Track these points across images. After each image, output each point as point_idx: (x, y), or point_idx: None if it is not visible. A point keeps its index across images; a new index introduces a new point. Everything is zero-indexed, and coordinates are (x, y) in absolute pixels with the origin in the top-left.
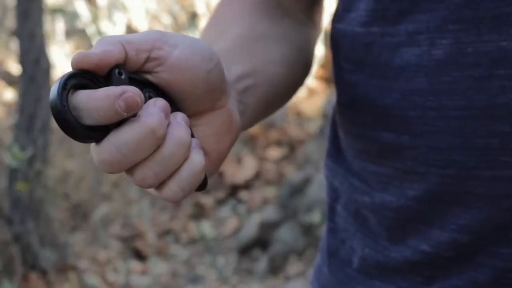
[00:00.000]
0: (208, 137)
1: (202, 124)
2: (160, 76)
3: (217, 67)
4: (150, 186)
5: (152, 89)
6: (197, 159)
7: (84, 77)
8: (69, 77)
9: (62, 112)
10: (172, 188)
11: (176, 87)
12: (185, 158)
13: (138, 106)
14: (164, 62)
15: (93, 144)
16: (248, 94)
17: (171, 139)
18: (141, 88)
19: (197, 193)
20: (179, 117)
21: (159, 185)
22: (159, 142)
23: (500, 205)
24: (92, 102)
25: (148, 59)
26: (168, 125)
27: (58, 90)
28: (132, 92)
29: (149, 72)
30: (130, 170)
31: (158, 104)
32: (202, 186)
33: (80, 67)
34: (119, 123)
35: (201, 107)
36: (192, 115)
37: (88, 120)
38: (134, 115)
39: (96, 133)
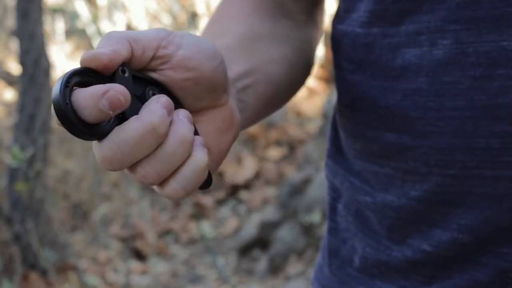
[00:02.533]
0: (209, 134)
1: (204, 121)
2: (165, 73)
3: (221, 66)
4: (151, 184)
5: (155, 87)
6: (199, 158)
7: (88, 74)
8: (72, 75)
9: (63, 109)
10: (173, 186)
11: (180, 85)
12: (188, 156)
13: (122, 105)
14: (169, 60)
15: (95, 142)
16: (248, 93)
17: (173, 137)
18: (144, 86)
19: (197, 193)
20: (182, 114)
21: (161, 182)
22: (160, 139)
23: (501, 205)
24: (81, 100)
25: (153, 58)
26: (170, 122)
27: (60, 88)
28: (116, 90)
29: (154, 70)
30: (131, 167)
31: (160, 101)
32: (206, 184)
33: (89, 66)
34: (123, 120)
35: (203, 104)
36: (194, 112)
37: (84, 118)
38: (136, 113)
39: (97, 130)
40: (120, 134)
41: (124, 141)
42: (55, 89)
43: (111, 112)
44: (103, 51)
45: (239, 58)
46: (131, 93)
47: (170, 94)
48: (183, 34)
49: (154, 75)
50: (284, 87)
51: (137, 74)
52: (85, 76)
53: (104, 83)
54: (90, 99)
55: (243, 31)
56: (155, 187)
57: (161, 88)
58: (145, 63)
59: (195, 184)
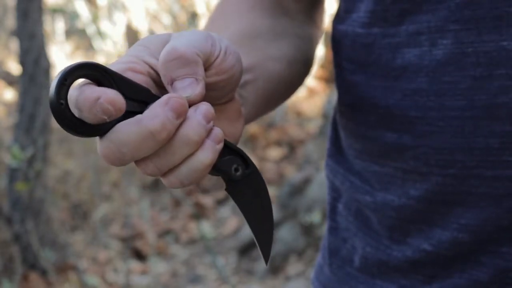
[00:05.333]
0: (222, 122)
1: (217, 111)
2: (207, 75)
3: (242, 67)
4: (151, 175)
5: None
6: (202, 158)
7: (90, 68)
8: (70, 71)
9: (57, 108)
10: (170, 179)
11: (212, 85)
12: (192, 153)
13: (112, 114)
14: (213, 62)
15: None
16: (247, 89)
17: (179, 136)
18: None
19: (197, 192)
20: (200, 111)
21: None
22: (161, 143)
23: (501, 205)
24: (79, 102)
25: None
26: (184, 119)
27: (57, 83)
28: (106, 99)
29: None
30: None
31: (170, 102)
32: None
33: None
34: (125, 117)
35: (223, 101)
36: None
37: (85, 119)
38: (141, 112)
39: (95, 128)
40: (118, 135)
41: (123, 143)
42: (52, 86)
43: (106, 118)
44: (196, 93)
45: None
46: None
47: None
48: (220, 37)
49: None
50: (283, 85)
51: None
52: (90, 70)
53: (109, 79)
54: (86, 103)
55: (243, 28)
56: None
57: None
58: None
59: (193, 180)
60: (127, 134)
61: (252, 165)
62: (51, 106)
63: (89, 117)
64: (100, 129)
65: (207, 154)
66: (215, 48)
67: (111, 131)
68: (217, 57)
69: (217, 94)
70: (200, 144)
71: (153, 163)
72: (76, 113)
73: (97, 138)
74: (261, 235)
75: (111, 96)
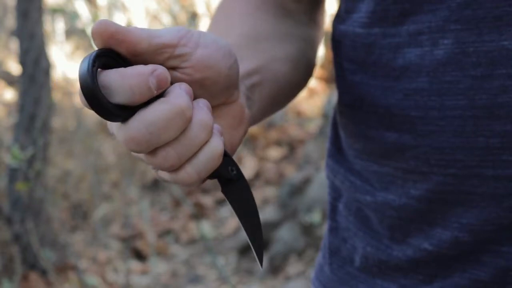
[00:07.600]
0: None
1: (216, 117)
2: (185, 72)
3: (235, 64)
4: (170, 168)
5: None
6: (216, 144)
7: (109, 56)
8: (97, 56)
9: (93, 90)
10: (188, 170)
11: (199, 83)
12: (206, 142)
13: (167, 84)
14: (189, 58)
15: (117, 124)
16: (255, 91)
17: (196, 122)
18: None
19: (197, 192)
20: (202, 103)
21: (176, 168)
22: (186, 123)
23: (502, 204)
24: (125, 79)
25: (172, 56)
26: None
27: (88, 68)
28: (163, 69)
29: (175, 68)
30: (153, 150)
31: (183, 87)
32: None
33: (115, 47)
34: (145, 104)
35: (218, 101)
36: None
37: (117, 99)
38: (161, 96)
39: (124, 111)
40: (149, 114)
41: (153, 122)
42: (82, 68)
43: (155, 92)
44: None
45: (246, 56)
46: None
47: None
48: (200, 32)
49: (174, 73)
50: (288, 86)
51: None
52: (107, 58)
53: (125, 66)
54: (139, 77)
55: (247, 30)
56: (166, 174)
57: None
58: (163, 60)
59: (209, 170)
60: (157, 112)
61: (240, 171)
62: (85, 89)
63: (137, 93)
64: (129, 112)
65: (219, 141)
66: (186, 39)
67: (140, 111)
68: (194, 49)
69: (207, 93)
70: (212, 131)
71: (174, 150)
72: (109, 95)
73: (117, 125)
74: (254, 237)
75: (164, 69)
